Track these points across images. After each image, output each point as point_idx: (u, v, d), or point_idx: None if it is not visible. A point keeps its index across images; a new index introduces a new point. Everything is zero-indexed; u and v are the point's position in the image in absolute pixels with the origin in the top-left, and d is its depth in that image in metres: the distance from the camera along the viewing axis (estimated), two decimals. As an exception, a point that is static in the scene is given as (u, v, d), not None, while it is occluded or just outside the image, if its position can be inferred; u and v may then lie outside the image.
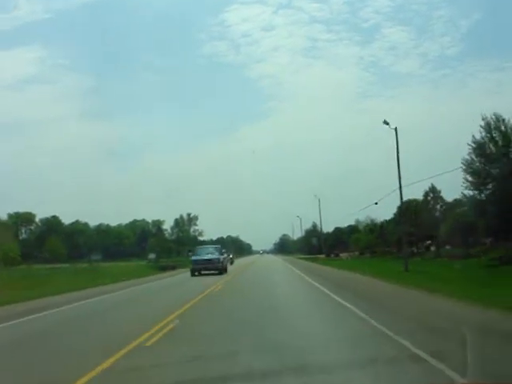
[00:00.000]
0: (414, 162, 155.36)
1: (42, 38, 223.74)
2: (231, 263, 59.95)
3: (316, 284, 28.14)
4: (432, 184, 57.27)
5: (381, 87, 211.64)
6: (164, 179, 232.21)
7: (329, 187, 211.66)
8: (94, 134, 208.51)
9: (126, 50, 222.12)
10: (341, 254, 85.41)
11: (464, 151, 38.40)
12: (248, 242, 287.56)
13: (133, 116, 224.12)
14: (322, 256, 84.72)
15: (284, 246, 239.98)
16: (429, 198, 58.70)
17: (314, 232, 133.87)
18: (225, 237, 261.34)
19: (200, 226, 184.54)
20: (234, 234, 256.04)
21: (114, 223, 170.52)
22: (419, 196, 59.72)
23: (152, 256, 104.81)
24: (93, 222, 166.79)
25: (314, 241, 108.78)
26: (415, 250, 60.58)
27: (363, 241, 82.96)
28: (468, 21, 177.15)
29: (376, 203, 48.14)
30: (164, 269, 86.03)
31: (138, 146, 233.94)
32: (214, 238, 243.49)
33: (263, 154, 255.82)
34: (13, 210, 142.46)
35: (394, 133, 35.86)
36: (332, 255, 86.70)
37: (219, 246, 51.79)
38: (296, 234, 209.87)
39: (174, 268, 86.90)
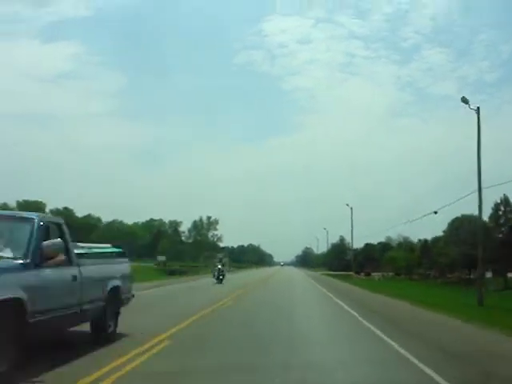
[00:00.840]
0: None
1: (81, 34, 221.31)
2: (218, 278, 39.80)
3: (367, 324, 16.52)
4: (505, 195, 45.73)
5: (415, 108, 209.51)
6: (190, 183, 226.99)
7: (357, 204, 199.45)
8: (124, 134, 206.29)
9: (161, 53, 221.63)
10: (373, 274, 74.54)
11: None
12: (269, 252, 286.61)
13: (164, 118, 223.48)
14: (351, 273, 74.20)
15: (306, 260, 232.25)
16: (500, 211, 47.41)
17: (341, 246, 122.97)
18: (246, 245, 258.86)
19: (220, 231, 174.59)
20: (255, 243, 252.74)
21: (130, 221, 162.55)
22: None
23: (161, 258, 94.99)
24: (107, 219, 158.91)
25: (349, 255, 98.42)
26: (470, 277, 49.44)
27: (401, 260, 71.90)
28: (509, 46, 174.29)
29: (435, 212, 37.44)
30: (172, 273, 77.15)
31: (168, 149, 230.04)
32: (235, 246, 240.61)
33: (292, 166, 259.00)
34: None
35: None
36: (362, 274, 75.99)
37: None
38: (321, 247, 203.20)
39: (183, 273, 78.07)
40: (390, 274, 71.38)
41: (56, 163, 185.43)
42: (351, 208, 78.79)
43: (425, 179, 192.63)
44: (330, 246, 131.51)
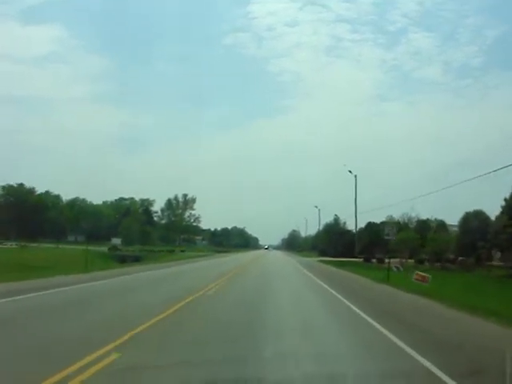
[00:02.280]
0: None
1: (63, 17, 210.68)
2: None
3: None
4: None
5: (400, 92, 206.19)
6: (172, 166, 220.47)
7: (345, 185, 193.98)
8: (105, 118, 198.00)
9: (145, 36, 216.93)
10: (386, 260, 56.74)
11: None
12: (255, 235, 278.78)
13: (147, 102, 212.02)
14: (356, 260, 56.83)
15: (293, 243, 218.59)
16: None
17: (335, 227, 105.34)
18: (230, 228, 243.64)
19: (201, 212, 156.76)
20: (241, 226, 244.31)
21: (98, 201, 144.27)
22: None
23: (116, 241, 77.09)
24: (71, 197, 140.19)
25: (346, 237, 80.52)
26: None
27: (432, 242, 53.66)
28: (495, 31, 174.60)
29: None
30: (124, 260, 61.03)
31: (150, 133, 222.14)
32: (219, 228, 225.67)
33: (279, 147, 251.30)
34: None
35: None
36: (374, 261, 58.11)
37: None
38: (310, 229, 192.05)
39: (137, 260, 61.48)
40: (410, 260, 53.55)
41: (35, 145, 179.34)
42: (355, 176, 61.48)
43: (413, 162, 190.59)
44: (321, 227, 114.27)
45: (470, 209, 55.67)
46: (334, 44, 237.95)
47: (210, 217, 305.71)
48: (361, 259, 57.78)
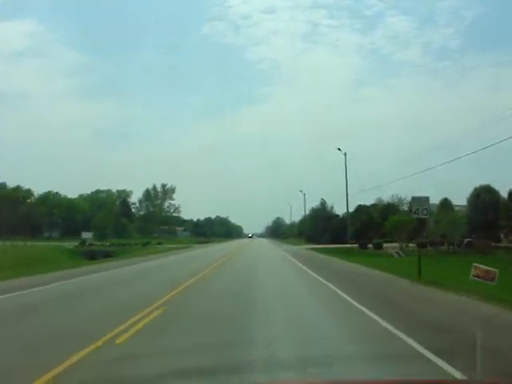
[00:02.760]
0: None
1: (38, 12, 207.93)
2: None
3: None
4: None
5: (379, 75, 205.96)
6: (152, 157, 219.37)
7: (326, 170, 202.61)
8: (84, 111, 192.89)
9: (122, 29, 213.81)
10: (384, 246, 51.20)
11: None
12: (239, 224, 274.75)
13: (126, 94, 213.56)
14: (350, 247, 51.35)
15: (277, 230, 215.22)
16: None
17: (322, 211, 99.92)
18: (213, 217, 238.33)
19: (180, 201, 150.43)
20: (224, 215, 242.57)
21: (74, 195, 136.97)
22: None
23: (87, 236, 70.92)
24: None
25: (335, 222, 74.89)
26: None
27: (444, 223, 47.60)
28: (472, 12, 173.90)
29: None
30: (93, 257, 55.29)
31: (130, 125, 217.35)
32: (202, 218, 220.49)
33: (259, 135, 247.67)
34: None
35: None
36: (370, 246, 52.28)
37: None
38: (295, 215, 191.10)
39: (107, 255, 55.80)
40: (411, 245, 48.05)
41: (7, 140, 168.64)
42: (345, 153, 55.93)
43: (394, 146, 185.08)
44: (307, 212, 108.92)
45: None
46: (311, 30, 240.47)
47: (193, 207, 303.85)
48: (354, 245, 52.37)
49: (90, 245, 67.84)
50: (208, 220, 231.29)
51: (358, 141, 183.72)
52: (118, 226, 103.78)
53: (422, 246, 48.39)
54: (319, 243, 73.82)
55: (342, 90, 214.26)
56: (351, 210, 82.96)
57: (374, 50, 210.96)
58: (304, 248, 57.99)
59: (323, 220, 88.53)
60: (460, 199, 63.60)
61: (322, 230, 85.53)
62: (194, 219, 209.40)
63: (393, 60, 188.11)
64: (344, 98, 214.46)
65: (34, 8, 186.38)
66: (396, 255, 42.87)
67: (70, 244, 69.40)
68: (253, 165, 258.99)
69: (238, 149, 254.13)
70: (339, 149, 55.37)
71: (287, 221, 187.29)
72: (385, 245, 47.20)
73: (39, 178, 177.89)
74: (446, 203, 60.79)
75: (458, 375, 6.12)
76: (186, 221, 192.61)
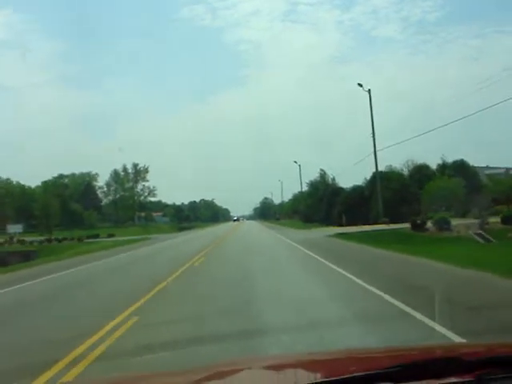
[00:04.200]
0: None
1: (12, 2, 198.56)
2: None
3: None
4: None
5: (360, 52, 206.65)
6: (134, 145, 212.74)
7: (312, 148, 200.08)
8: (64, 100, 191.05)
9: (100, 15, 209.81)
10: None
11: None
12: (225, 207, 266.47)
13: (105, 82, 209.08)
14: (387, 228, 33.48)
15: (266, 211, 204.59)
16: None
17: (322, 184, 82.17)
18: (198, 201, 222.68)
19: (163, 185, 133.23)
20: (208, 198, 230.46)
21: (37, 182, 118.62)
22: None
23: (15, 229, 52.91)
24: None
25: (340, 198, 56.08)
26: None
27: None
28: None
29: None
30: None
31: (109, 112, 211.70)
32: (186, 202, 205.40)
33: (242, 117, 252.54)
34: None
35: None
36: (429, 226, 33.32)
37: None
38: (287, 193, 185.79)
39: (27, 258, 38.36)
40: (492, 220, 29.55)
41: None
42: (369, 90, 38.43)
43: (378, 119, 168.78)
44: (301, 189, 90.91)
45: None
46: (290, 9, 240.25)
47: (177, 192, 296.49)
48: (389, 225, 34.74)
49: (7, 241, 49.48)
50: (192, 204, 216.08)
51: (344, 116, 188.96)
52: (74, 214, 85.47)
53: (506, 220, 30.94)
54: (322, 224, 56.27)
55: (322, 68, 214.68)
56: (358, 183, 65.51)
57: (354, 27, 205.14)
58: (323, 234, 36.33)
59: (327, 195, 70.52)
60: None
61: (325, 206, 67.66)
62: (178, 204, 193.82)
63: (373, 36, 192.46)
64: (325, 76, 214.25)
65: None
66: (480, 239, 25.39)
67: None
68: (237, 146, 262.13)
69: (220, 131, 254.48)
70: (360, 85, 37.59)
71: (277, 200, 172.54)
72: (453, 222, 29.34)
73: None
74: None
75: None
76: (167, 205, 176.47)
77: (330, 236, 32.54)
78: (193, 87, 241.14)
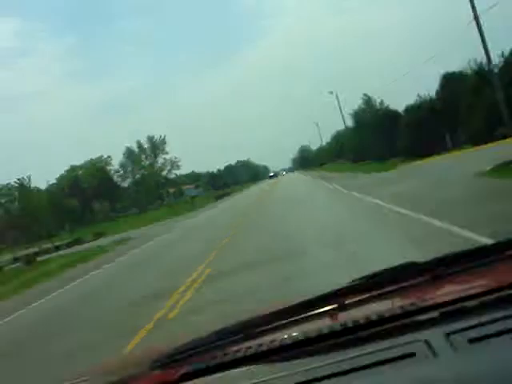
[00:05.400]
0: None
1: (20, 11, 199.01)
2: None
3: None
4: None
5: None
6: (153, 122, 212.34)
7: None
8: (81, 94, 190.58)
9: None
10: None
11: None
12: (264, 163, 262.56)
13: (119, 68, 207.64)
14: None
15: (305, 161, 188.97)
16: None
17: (368, 112, 65.31)
18: (233, 164, 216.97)
19: (190, 155, 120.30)
20: (243, 158, 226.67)
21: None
22: None
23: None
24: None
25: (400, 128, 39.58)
26: None
27: None
28: None
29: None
30: None
31: (124, 98, 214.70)
32: (222, 167, 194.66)
33: (266, 71, 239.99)
34: None
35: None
36: None
37: None
38: (327, 136, 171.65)
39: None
40: None
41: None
42: None
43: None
44: (344, 123, 73.85)
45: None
46: None
47: (208, 159, 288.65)
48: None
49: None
50: (228, 168, 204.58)
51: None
52: (84, 209, 71.93)
53: None
54: (384, 160, 39.96)
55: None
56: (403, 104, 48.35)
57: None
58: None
59: (380, 122, 53.73)
60: None
61: (382, 137, 51.15)
62: (213, 170, 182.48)
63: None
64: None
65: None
66: None
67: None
68: (263, 103, 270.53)
69: (242, 93, 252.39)
70: None
71: (314, 146, 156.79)
72: None
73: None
74: None
75: None
76: (200, 174, 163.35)
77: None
78: (204, 55, 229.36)
